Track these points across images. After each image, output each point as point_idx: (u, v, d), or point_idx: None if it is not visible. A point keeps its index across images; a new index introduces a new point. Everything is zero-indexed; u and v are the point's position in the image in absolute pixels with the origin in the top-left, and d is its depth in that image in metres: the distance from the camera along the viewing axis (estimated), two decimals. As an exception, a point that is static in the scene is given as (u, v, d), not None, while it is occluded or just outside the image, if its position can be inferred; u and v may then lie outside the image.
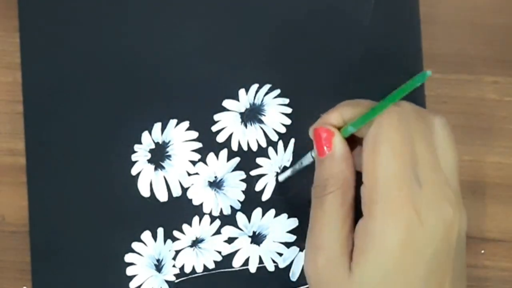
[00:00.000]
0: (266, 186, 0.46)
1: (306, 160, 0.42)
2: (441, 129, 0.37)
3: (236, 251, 0.46)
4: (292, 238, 0.46)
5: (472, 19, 0.48)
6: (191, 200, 0.46)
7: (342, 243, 0.36)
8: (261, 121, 0.47)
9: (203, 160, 0.46)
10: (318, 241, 0.36)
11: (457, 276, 0.36)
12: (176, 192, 0.46)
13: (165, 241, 0.46)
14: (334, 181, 0.36)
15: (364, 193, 0.35)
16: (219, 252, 0.46)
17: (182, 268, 0.46)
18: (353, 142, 0.37)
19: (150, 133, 0.46)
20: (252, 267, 0.46)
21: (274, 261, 0.46)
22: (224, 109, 0.47)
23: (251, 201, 0.46)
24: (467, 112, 0.47)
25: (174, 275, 0.46)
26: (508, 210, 0.47)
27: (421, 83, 0.34)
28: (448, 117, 0.46)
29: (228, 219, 0.46)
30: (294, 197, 0.46)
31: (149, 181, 0.46)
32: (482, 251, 0.47)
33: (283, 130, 0.47)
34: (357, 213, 0.37)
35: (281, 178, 0.46)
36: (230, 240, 0.46)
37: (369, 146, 0.35)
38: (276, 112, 0.47)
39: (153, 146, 0.46)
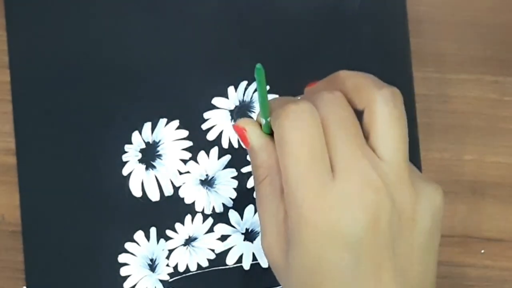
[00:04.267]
0: (258, 183, 0.46)
1: None
2: (382, 105, 0.35)
3: (229, 249, 0.46)
4: (285, 234, 0.46)
5: (472, 19, 0.48)
6: (183, 198, 0.46)
7: (279, 228, 0.36)
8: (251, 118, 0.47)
9: (194, 158, 0.46)
10: (261, 226, 0.37)
11: (402, 265, 0.34)
12: (168, 191, 0.46)
13: (158, 241, 0.46)
14: (261, 170, 0.37)
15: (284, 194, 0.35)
16: (213, 250, 0.46)
17: (176, 267, 0.46)
18: None
19: (140, 133, 0.46)
20: (246, 264, 0.46)
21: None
22: (214, 107, 0.47)
23: (243, 198, 0.46)
24: (467, 112, 0.47)
25: (168, 274, 0.46)
26: (508, 209, 0.47)
27: (259, 77, 0.35)
28: (448, 116, 0.47)
29: (220, 217, 0.46)
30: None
31: (141, 181, 0.46)
32: (482, 251, 0.47)
33: (273, 126, 0.47)
34: None
35: None
36: (223, 238, 0.46)
37: (277, 148, 0.35)
38: (266, 109, 0.47)
39: (143, 146, 0.46)
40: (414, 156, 0.46)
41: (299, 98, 0.39)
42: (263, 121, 0.37)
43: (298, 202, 0.34)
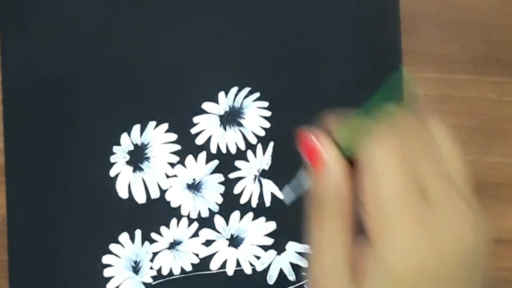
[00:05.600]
0: (245, 189, 0.46)
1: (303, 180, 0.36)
2: (443, 135, 0.34)
3: (213, 254, 0.46)
4: (270, 241, 0.46)
5: (472, 19, 0.48)
6: (169, 202, 0.46)
7: (346, 268, 0.32)
8: (240, 124, 0.47)
9: (181, 162, 0.46)
10: (321, 264, 0.33)
11: None
12: (155, 194, 0.46)
13: (142, 243, 0.46)
14: (333, 202, 0.32)
15: (366, 219, 0.31)
16: (197, 255, 0.46)
17: (159, 270, 0.46)
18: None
19: (129, 134, 0.46)
20: (230, 270, 0.46)
21: (251, 264, 0.46)
22: (204, 112, 0.47)
23: (230, 204, 0.46)
24: (467, 112, 0.47)
25: (152, 277, 0.46)
26: (508, 210, 0.47)
27: (400, 84, 0.32)
28: (448, 117, 0.47)
29: (206, 222, 0.46)
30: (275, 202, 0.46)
31: (128, 182, 0.46)
32: None
33: (262, 133, 0.47)
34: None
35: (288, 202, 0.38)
36: (208, 243, 0.46)
37: (365, 169, 0.31)
38: (256, 115, 0.47)
39: (132, 148, 0.46)
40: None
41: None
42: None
43: (391, 225, 0.31)
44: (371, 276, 0.31)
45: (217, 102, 0.47)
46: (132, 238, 0.46)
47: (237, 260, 0.46)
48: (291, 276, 0.46)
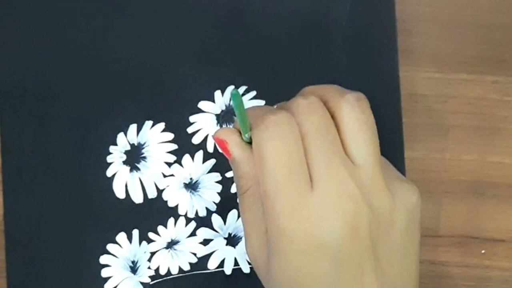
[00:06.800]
0: (242, 188, 0.46)
1: None
2: (349, 112, 0.35)
3: (211, 253, 0.46)
4: (267, 240, 0.46)
5: (473, 19, 0.48)
6: (166, 201, 0.46)
7: (261, 237, 0.36)
8: (237, 123, 0.47)
9: (178, 161, 0.46)
10: (245, 235, 0.38)
11: (383, 267, 0.35)
12: (152, 193, 0.46)
13: (140, 243, 0.46)
14: (244, 181, 0.37)
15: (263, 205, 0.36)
16: (195, 254, 0.46)
17: (157, 270, 0.46)
18: None
19: (125, 134, 0.46)
20: (228, 269, 0.46)
21: (249, 263, 0.46)
22: (200, 111, 0.47)
23: (227, 203, 0.46)
24: (467, 112, 0.47)
25: (149, 276, 0.46)
26: (508, 210, 0.47)
27: (236, 101, 0.34)
28: (448, 116, 0.47)
29: (203, 221, 0.46)
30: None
31: (124, 182, 0.46)
32: (483, 251, 0.47)
33: (259, 131, 0.47)
34: None
35: None
36: (206, 242, 0.46)
37: (255, 159, 0.35)
38: (252, 114, 0.47)
39: (128, 148, 0.46)
40: (397, 157, 0.46)
41: (275, 107, 0.39)
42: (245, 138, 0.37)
43: (276, 213, 0.34)
44: (270, 258, 0.35)
45: (213, 101, 0.47)
46: (130, 238, 0.46)
47: (235, 259, 0.46)
48: (289, 275, 0.46)
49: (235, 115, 0.47)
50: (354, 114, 0.35)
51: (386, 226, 0.35)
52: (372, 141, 0.35)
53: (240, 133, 0.38)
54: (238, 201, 0.38)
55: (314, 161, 0.34)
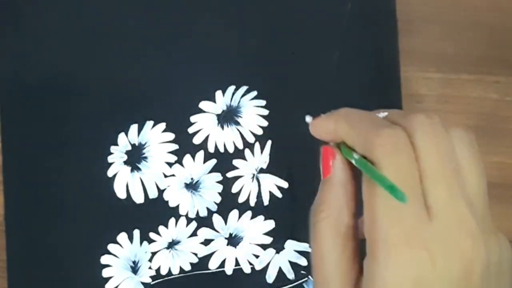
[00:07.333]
0: (243, 188, 0.46)
1: None
2: (460, 142, 0.32)
3: (212, 253, 0.46)
4: (268, 240, 0.46)
5: (474, 19, 0.48)
6: (167, 201, 0.46)
7: (342, 274, 0.32)
8: (237, 123, 0.47)
9: (179, 161, 0.46)
10: (316, 260, 0.33)
11: None
12: (153, 193, 0.46)
13: (141, 243, 0.46)
14: (326, 207, 0.33)
15: (365, 230, 0.31)
16: (195, 254, 0.46)
17: (158, 270, 0.46)
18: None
19: (126, 134, 0.46)
20: (228, 269, 0.46)
21: (250, 263, 0.46)
22: (201, 111, 0.47)
23: (228, 203, 0.46)
24: (468, 112, 0.47)
25: (150, 277, 0.46)
26: (509, 210, 0.47)
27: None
28: (449, 116, 0.47)
29: (204, 221, 0.46)
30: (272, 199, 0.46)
31: (125, 182, 0.46)
32: None
33: (259, 131, 0.47)
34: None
35: None
36: (207, 242, 0.46)
37: (366, 177, 0.31)
38: (253, 114, 0.47)
39: (129, 148, 0.46)
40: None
41: (381, 114, 0.34)
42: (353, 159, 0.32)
43: (389, 240, 0.30)
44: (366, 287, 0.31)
45: (214, 101, 0.47)
46: (131, 238, 0.46)
47: (236, 259, 0.46)
48: (290, 275, 0.46)
49: (235, 115, 0.47)
50: (468, 145, 0.32)
51: (498, 275, 0.31)
52: (485, 183, 0.32)
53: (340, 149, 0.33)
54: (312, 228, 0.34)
55: (434, 191, 0.30)
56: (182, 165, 0.46)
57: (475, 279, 0.30)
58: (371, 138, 0.31)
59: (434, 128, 0.31)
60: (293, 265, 0.46)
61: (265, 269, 0.46)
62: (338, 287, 0.32)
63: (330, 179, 0.33)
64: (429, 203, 0.30)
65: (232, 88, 0.47)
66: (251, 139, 0.47)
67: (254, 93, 0.47)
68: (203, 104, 0.47)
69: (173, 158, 0.46)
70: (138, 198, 0.46)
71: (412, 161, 0.30)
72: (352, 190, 0.33)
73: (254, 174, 0.46)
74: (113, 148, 0.46)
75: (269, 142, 0.46)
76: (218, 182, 0.46)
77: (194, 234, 0.46)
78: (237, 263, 0.46)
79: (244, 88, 0.47)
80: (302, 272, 0.46)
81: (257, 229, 0.46)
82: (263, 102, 0.47)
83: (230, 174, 0.46)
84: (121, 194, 0.46)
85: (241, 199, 0.46)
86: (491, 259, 0.31)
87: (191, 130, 0.46)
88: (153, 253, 0.46)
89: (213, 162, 0.46)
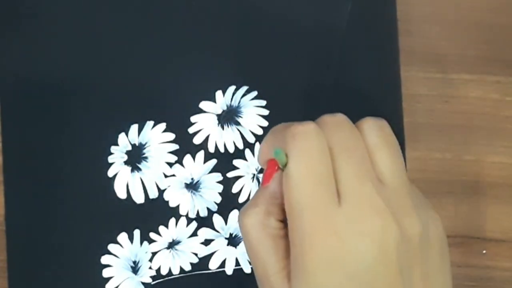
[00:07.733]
0: (243, 188, 0.46)
1: None
2: (369, 129, 0.35)
3: (212, 253, 0.46)
4: (269, 240, 0.46)
5: (475, 19, 0.48)
6: (167, 201, 0.46)
7: (279, 264, 0.35)
8: (238, 123, 0.47)
9: (179, 161, 0.46)
10: (252, 254, 0.37)
11: None
12: (153, 193, 0.46)
13: (141, 243, 0.46)
14: (257, 207, 0.36)
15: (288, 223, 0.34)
16: (196, 254, 0.46)
17: (158, 270, 0.46)
18: None
19: (126, 134, 0.46)
20: (229, 269, 0.46)
21: (250, 263, 0.46)
22: (201, 111, 0.47)
23: (228, 203, 0.46)
24: (468, 112, 0.47)
25: (151, 277, 0.46)
26: (509, 210, 0.47)
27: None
28: (449, 116, 0.47)
29: (204, 221, 0.46)
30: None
31: (126, 182, 0.46)
32: (484, 251, 0.47)
33: (260, 132, 0.47)
34: None
35: None
36: (207, 242, 0.46)
37: (284, 179, 0.34)
38: (253, 114, 0.47)
39: (129, 148, 0.46)
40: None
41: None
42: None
43: (302, 228, 0.33)
44: (293, 277, 0.34)
45: (214, 101, 0.47)
46: (131, 238, 0.46)
47: (236, 259, 0.46)
48: (291, 275, 0.46)
49: (236, 115, 0.47)
50: (382, 133, 0.35)
51: (418, 250, 0.34)
52: (400, 163, 0.35)
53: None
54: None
55: (342, 176, 0.33)
56: (182, 165, 0.46)
57: (391, 255, 0.32)
58: (285, 133, 0.34)
59: (337, 123, 0.35)
60: (294, 265, 0.46)
61: (265, 269, 0.46)
62: (273, 268, 0.35)
63: (268, 187, 0.36)
64: (339, 190, 0.33)
65: (232, 88, 0.47)
66: (251, 139, 0.47)
67: (255, 93, 0.47)
68: (204, 104, 0.47)
69: (174, 158, 0.46)
70: (139, 198, 0.46)
71: (323, 149, 0.33)
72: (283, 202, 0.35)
73: (254, 174, 0.46)
74: (113, 148, 0.46)
75: (269, 142, 0.46)
76: (218, 182, 0.46)
77: (194, 234, 0.46)
78: (237, 263, 0.46)
79: (244, 88, 0.47)
80: None
81: (257, 229, 0.46)
82: (263, 102, 0.47)
83: (230, 174, 0.46)
84: (121, 194, 0.46)
85: (242, 199, 0.46)
86: (409, 235, 0.33)
87: (191, 130, 0.47)
88: (154, 253, 0.46)
89: (213, 162, 0.46)
